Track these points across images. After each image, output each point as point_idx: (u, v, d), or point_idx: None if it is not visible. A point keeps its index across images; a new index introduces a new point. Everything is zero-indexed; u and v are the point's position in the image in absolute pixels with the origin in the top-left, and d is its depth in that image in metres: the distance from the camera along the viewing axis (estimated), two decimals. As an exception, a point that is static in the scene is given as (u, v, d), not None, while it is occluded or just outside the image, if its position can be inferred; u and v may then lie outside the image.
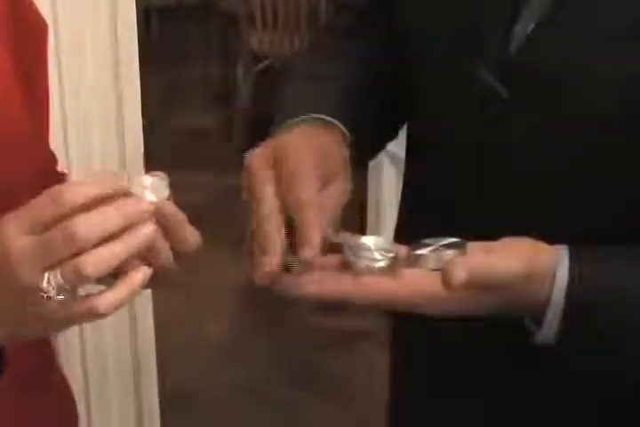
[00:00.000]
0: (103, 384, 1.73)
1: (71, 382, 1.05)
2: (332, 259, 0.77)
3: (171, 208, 0.73)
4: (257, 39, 4.11)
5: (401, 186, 1.05)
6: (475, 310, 0.77)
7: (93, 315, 0.70)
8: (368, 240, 0.77)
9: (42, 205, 0.69)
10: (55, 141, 1.02)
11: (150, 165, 1.65)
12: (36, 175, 0.90)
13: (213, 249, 2.94)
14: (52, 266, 0.68)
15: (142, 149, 1.63)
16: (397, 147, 1.05)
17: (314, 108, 0.88)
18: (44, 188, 0.92)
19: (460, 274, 0.74)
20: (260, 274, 0.75)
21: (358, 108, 0.93)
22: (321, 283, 0.75)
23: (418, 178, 0.98)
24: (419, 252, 0.77)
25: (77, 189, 0.69)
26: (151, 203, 0.71)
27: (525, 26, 0.82)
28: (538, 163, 0.83)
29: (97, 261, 0.67)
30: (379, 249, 0.76)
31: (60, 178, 1.00)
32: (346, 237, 0.78)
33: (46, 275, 0.68)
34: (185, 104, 4.69)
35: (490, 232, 0.79)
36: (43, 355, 0.98)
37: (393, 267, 0.76)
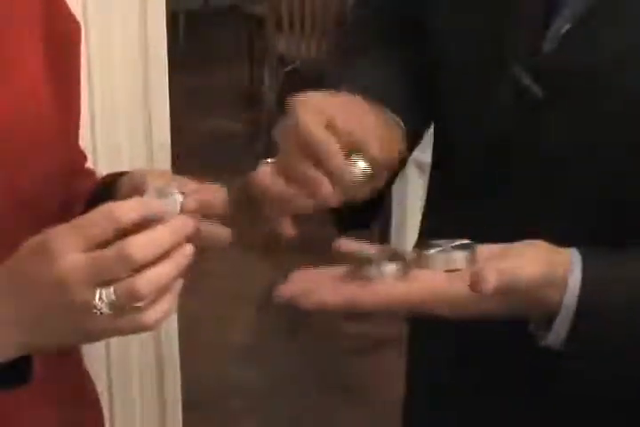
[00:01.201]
0: (127, 387, 1.73)
1: (95, 385, 1.05)
2: (339, 269, 0.78)
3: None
4: (284, 42, 4.11)
5: (425, 190, 1.05)
6: (490, 312, 0.77)
7: (140, 329, 0.73)
8: (375, 249, 0.77)
9: (95, 223, 0.71)
10: (83, 142, 1.02)
11: (176, 166, 1.65)
12: (64, 173, 0.91)
13: (240, 252, 2.95)
14: (104, 283, 0.70)
15: (169, 152, 1.63)
16: (419, 151, 1.05)
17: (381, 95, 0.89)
18: (73, 185, 0.92)
19: (492, 278, 0.73)
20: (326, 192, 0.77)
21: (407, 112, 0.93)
22: (332, 291, 0.75)
23: (444, 180, 0.98)
24: (428, 252, 0.77)
25: (130, 207, 0.71)
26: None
27: (560, 26, 0.82)
28: (570, 163, 0.83)
29: (150, 281, 0.71)
30: (387, 256, 0.77)
31: (89, 176, 1.00)
32: (352, 246, 0.79)
33: (98, 291, 0.70)
34: (211, 107, 4.70)
35: (517, 233, 0.79)
36: (72, 361, 0.99)
37: (403, 271, 0.76)
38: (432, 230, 0.99)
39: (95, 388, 1.05)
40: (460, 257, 0.76)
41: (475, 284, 0.74)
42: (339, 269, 0.78)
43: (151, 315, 0.72)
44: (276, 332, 2.90)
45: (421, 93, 0.96)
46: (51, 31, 0.89)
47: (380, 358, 2.76)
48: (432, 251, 0.77)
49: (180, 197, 0.79)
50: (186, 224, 0.74)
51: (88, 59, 1.47)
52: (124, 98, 1.55)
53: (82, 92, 0.97)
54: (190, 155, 3.36)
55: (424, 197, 1.06)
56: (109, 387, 1.69)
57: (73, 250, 0.70)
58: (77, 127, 0.98)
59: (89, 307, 0.70)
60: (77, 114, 0.97)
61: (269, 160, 0.84)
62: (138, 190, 0.82)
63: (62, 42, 0.91)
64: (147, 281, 0.70)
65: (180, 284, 0.74)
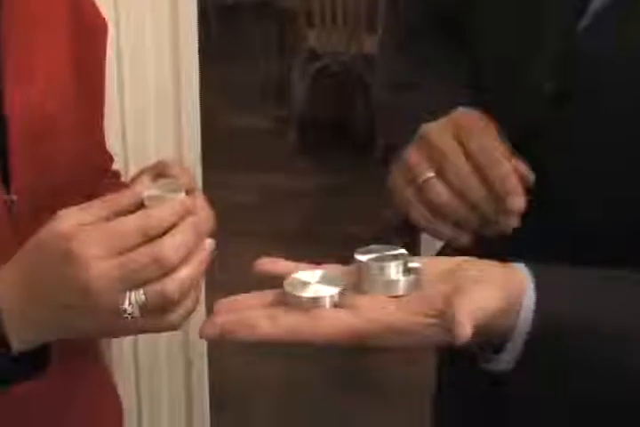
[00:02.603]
0: (154, 384, 1.73)
1: (123, 378, 1.05)
2: (268, 294, 0.73)
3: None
4: (315, 37, 4.10)
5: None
6: (446, 342, 0.71)
7: (166, 329, 0.74)
8: (309, 274, 0.72)
9: (126, 230, 0.70)
10: (112, 139, 1.02)
11: (204, 163, 1.65)
12: (87, 171, 0.91)
13: (265, 246, 2.95)
14: (133, 287, 0.70)
15: (199, 147, 1.63)
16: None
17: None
18: (97, 185, 0.92)
19: (467, 324, 0.67)
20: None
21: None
22: (271, 321, 0.69)
23: None
24: (368, 274, 0.71)
25: (162, 214, 0.71)
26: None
27: (589, 20, 0.81)
28: (605, 159, 0.82)
29: (182, 282, 0.71)
30: (323, 281, 0.71)
31: (115, 177, 0.99)
32: (280, 267, 0.74)
33: (128, 295, 0.70)
34: (240, 102, 4.70)
35: (547, 230, 0.78)
36: (89, 356, 0.98)
37: (341, 297, 0.70)
38: None
39: (114, 384, 1.05)
40: (403, 283, 0.71)
41: (450, 332, 0.67)
42: (267, 294, 0.72)
43: (178, 315, 0.73)
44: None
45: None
46: (77, 27, 0.89)
47: (403, 353, 2.75)
48: (364, 256, 0.71)
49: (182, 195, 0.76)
50: (208, 219, 0.75)
51: (119, 54, 1.46)
52: (154, 95, 1.55)
53: (112, 88, 0.97)
54: (218, 150, 3.36)
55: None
56: (137, 384, 1.69)
57: (103, 257, 0.69)
58: (101, 125, 0.97)
59: (118, 311, 0.70)
60: (101, 109, 0.96)
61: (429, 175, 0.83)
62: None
63: (88, 38, 0.91)
64: (178, 282, 0.70)
65: (202, 280, 0.74)
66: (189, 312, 0.74)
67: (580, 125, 0.82)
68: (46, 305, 0.71)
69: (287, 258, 0.75)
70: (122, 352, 1.63)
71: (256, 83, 4.92)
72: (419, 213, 0.84)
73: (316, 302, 0.70)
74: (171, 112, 1.58)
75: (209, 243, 0.73)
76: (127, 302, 0.70)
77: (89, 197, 0.88)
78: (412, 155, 0.84)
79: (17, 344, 0.73)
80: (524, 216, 0.81)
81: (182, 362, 1.75)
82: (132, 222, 0.71)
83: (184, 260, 0.71)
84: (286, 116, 4.32)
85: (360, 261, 0.72)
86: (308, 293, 0.70)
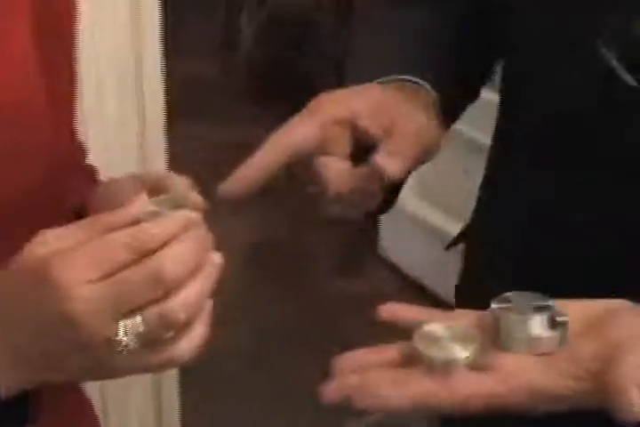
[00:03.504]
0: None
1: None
2: (391, 351, 0.65)
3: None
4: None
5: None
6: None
7: (173, 363, 0.61)
8: (441, 329, 0.63)
9: (111, 248, 0.59)
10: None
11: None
12: (63, 168, 0.79)
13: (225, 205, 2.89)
14: (127, 313, 0.59)
15: (162, 97, 1.56)
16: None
17: (401, 67, 0.83)
18: (68, 179, 0.81)
19: (636, 396, 0.58)
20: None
21: (444, 64, 0.87)
22: (396, 389, 0.61)
23: (507, 151, 0.92)
24: (499, 309, 0.64)
25: (157, 227, 0.60)
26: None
27: None
28: None
29: (187, 303, 0.59)
30: (457, 338, 0.63)
31: (90, 171, 0.89)
32: (405, 313, 0.66)
33: (122, 323, 0.58)
34: (186, 50, 4.59)
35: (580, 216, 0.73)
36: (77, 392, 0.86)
37: (479, 357, 0.62)
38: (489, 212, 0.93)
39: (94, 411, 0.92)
40: (549, 340, 0.62)
41: (619, 408, 0.58)
42: (392, 350, 0.64)
43: (185, 343, 0.60)
44: (267, 290, 2.84)
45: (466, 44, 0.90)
46: (40, 5, 0.76)
47: (369, 315, 2.71)
48: (509, 316, 0.63)
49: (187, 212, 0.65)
50: (209, 234, 0.63)
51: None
52: (112, 43, 1.48)
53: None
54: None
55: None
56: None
57: (87, 280, 0.58)
58: (72, 113, 0.84)
59: (112, 344, 0.58)
60: (72, 99, 0.83)
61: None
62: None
63: (53, 17, 0.78)
64: (182, 303, 0.59)
65: (211, 302, 0.62)
66: (199, 340, 0.61)
67: (633, 117, 0.77)
68: (26, 343, 0.60)
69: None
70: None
71: (203, 30, 4.81)
72: None
73: (449, 364, 0.62)
74: (132, 61, 1.51)
75: (217, 256, 0.62)
76: (122, 332, 0.58)
77: (56, 190, 0.77)
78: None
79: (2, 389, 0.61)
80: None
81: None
82: (120, 237, 0.59)
83: (187, 276, 0.59)
84: (234, 64, 4.24)
85: (499, 314, 0.64)
86: (440, 353, 0.62)
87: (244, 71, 4.16)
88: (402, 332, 0.66)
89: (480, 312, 0.66)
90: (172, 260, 0.58)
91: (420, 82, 0.82)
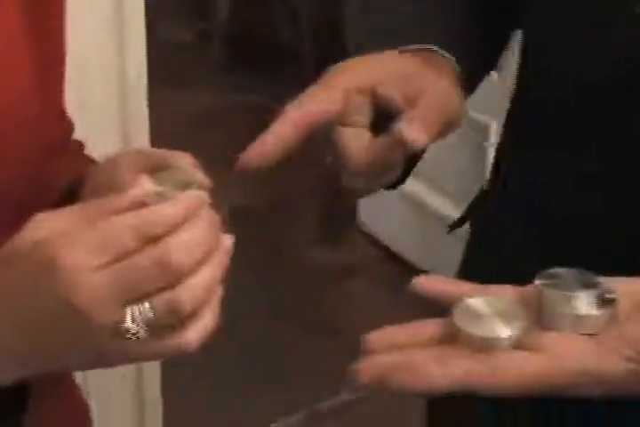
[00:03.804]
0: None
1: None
2: (430, 327, 0.61)
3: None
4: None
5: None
6: None
7: (181, 350, 0.59)
8: (483, 304, 0.60)
9: (118, 232, 0.56)
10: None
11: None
12: (51, 145, 0.76)
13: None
14: (135, 300, 0.56)
15: (145, 61, 1.52)
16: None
17: (419, 35, 0.79)
18: (62, 160, 0.78)
19: None
20: None
21: (462, 31, 0.83)
22: (438, 367, 0.56)
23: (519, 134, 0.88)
24: (543, 285, 0.60)
25: (164, 209, 0.57)
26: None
27: None
28: None
29: (197, 290, 0.57)
30: (500, 315, 0.59)
31: (78, 148, 0.85)
32: (442, 286, 0.62)
33: (130, 310, 0.56)
34: (160, 17, 4.52)
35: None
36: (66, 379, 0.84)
37: (525, 336, 0.58)
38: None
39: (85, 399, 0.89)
40: (597, 318, 0.59)
41: None
42: (428, 326, 0.61)
43: (194, 332, 0.58)
44: (246, 261, 2.80)
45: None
46: None
47: (350, 286, 2.69)
48: (555, 294, 0.59)
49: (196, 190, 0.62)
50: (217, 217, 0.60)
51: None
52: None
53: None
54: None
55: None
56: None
57: (93, 265, 0.55)
58: (61, 90, 0.80)
59: (120, 332, 0.56)
60: (61, 77, 0.79)
61: None
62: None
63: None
64: (192, 290, 0.56)
65: (221, 289, 0.60)
66: (209, 328, 0.59)
67: None
68: (26, 332, 0.57)
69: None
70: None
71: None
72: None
73: (492, 342, 0.58)
74: (112, 23, 1.47)
75: (228, 239, 0.59)
76: (129, 320, 0.56)
77: (40, 172, 0.73)
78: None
79: None
80: None
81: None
82: (125, 220, 0.56)
83: (198, 262, 0.57)
84: (209, 31, 4.18)
85: (543, 289, 0.60)
86: (483, 330, 0.58)
87: (218, 39, 4.11)
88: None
89: (521, 287, 0.62)
90: (183, 246, 0.56)
91: (446, 55, 0.78)
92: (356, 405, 2.26)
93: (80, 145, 0.85)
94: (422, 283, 0.62)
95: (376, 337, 0.60)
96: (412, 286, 0.62)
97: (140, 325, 0.56)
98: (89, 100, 1.43)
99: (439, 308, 0.62)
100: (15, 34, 0.69)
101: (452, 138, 0.76)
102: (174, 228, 0.56)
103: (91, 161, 0.82)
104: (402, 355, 0.58)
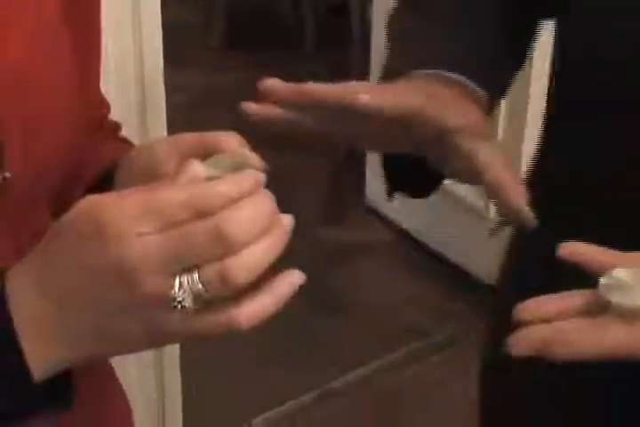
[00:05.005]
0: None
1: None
2: (578, 298, 0.62)
3: None
4: None
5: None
6: None
7: (229, 329, 0.57)
8: (629, 274, 0.59)
9: (173, 202, 0.54)
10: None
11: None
12: (90, 128, 0.75)
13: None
14: (185, 270, 0.55)
15: (160, 40, 1.51)
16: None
17: (440, 62, 0.80)
18: (98, 145, 0.78)
19: None
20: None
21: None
22: (594, 337, 0.59)
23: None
24: None
25: (222, 186, 0.55)
26: None
27: None
28: None
29: (250, 264, 0.54)
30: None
31: (114, 129, 0.85)
32: (592, 261, 0.62)
33: (177, 280, 0.55)
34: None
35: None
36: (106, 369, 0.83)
37: None
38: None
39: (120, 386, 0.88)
40: None
41: None
42: (576, 297, 0.62)
43: (246, 310, 0.56)
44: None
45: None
46: None
47: (355, 266, 2.68)
48: None
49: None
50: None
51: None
52: None
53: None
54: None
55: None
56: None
57: (144, 231, 0.54)
58: (98, 75, 0.80)
59: (166, 300, 0.55)
60: (98, 59, 0.79)
61: None
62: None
63: None
64: (244, 264, 0.54)
65: (299, 278, 0.59)
66: (266, 311, 0.57)
67: None
68: (74, 303, 0.56)
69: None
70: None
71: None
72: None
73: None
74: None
75: (287, 219, 0.58)
76: (177, 288, 0.54)
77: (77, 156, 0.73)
78: None
79: (40, 367, 0.57)
80: None
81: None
82: (181, 193, 0.55)
83: (253, 237, 0.55)
84: (212, 9, 4.15)
85: None
86: (630, 300, 0.58)
87: (223, 17, 4.08)
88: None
89: None
90: (238, 219, 0.54)
91: (469, 84, 0.80)
92: (366, 383, 2.27)
93: (116, 125, 0.85)
94: (569, 249, 0.63)
95: (527, 308, 0.61)
96: (560, 250, 0.63)
97: (187, 294, 0.54)
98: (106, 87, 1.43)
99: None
100: (55, 20, 0.70)
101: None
102: (229, 204, 0.55)
103: (127, 144, 0.82)
104: (557, 325, 0.60)
